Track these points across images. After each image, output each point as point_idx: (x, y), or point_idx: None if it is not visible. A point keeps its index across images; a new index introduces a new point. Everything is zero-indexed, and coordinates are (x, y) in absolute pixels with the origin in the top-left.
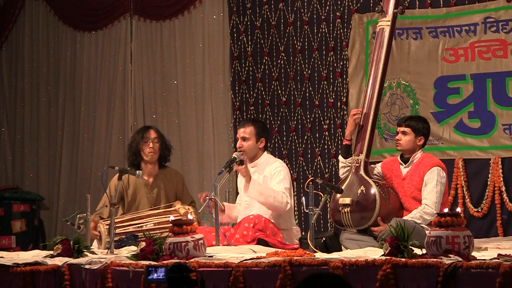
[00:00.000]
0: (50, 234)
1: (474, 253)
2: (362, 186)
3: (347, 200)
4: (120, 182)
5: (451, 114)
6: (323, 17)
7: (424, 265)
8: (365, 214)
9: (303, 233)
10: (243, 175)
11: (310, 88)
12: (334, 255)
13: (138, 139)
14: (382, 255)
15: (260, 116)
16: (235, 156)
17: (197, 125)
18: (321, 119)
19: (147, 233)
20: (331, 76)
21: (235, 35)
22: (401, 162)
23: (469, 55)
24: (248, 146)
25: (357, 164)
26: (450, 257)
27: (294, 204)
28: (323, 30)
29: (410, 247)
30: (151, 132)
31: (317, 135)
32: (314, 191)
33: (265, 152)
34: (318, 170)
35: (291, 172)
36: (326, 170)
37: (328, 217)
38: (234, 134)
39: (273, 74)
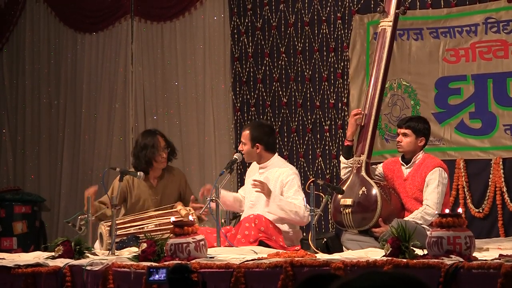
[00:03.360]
0: (52, 235)
1: (475, 254)
2: (364, 187)
3: (348, 201)
4: (124, 182)
5: (452, 115)
6: (323, 18)
7: (426, 266)
8: (366, 215)
9: (304, 234)
10: (262, 191)
11: (311, 89)
12: (335, 256)
13: (150, 149)
14: (384, 256)
15: (261, 117)
16: (236, 157)
17: (198, 126)
18: (322, 120)
19: (148, 234)
20: (332, 77)
21: (235, 36)
22: (403, 163)
23: (470, 55)
24: (245, 150)
25: (359, 165)
26: (451, 257)
27: None
28: (324, 31)
29: (411, 247)
30: (160, 140)
31: (318, 136)
32: (315, 192)
33: (276, 155)
34: (319, 171)
35: None
36: (327, 171)
37: (329, 218)
38: (235, 135)
39: (274, 75)
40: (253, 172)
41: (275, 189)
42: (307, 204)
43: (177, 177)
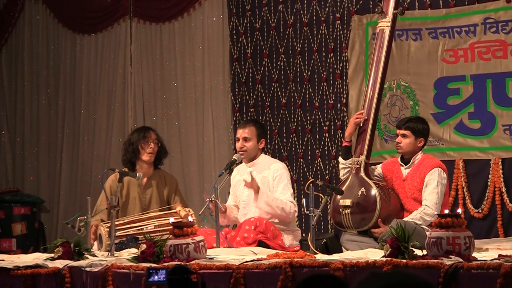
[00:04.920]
0: (51, 236)
1: (474, 254)
2: (363, 188)
3: (348, 202)
4: (115, 182)
5: (451, 115)
6: (322, 18)
7: (425, 266)
8: (366, 216)
9: (304, 234)
10: (251, 187)
11: (310, 90)
12: (335, 257)
13: (139, 138)
14: (383, 257)
15: (260, 118)
16: (235, 158)
17: (197, 127)
18: (321, 120)
19: (148, 235)
20: (331, 78)
21: (234, 37)
22: (402, 163)
23: (469, 56)
24: (249, 146)
25: (358, 166)
26: (450, 258)
27: None
28: (323, 31)
29: (411, 248)
30: (152, 133)
31: (317, 136)
32: (315, 193)
33: (263, 154)
34: (318, 172)
35: (292, 173)
36: (326, 172)
37: (329, 218)
38: (234, 136)
39: (273, 75)
40: (242, 173)
41: (268, 185)
42: (294, 201)
43: (168, 182)
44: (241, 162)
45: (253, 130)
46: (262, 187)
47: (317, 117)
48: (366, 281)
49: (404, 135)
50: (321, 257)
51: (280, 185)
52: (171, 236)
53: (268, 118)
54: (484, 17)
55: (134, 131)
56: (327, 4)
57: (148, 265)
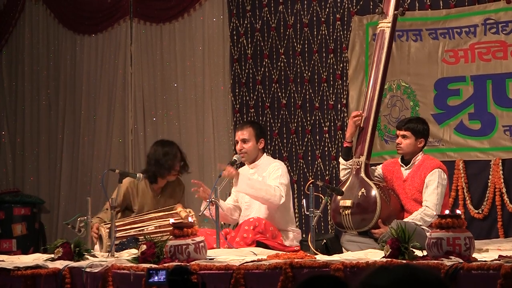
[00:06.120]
0: (51, 237)
1: (475, 255)
2: (363, 188)
3: (348, 202)
4: (128, 190)
5: (451, 116)
6: (323, 19)
7: (425, 267)
8: (366, 216)
9: (304, 235)
10: (230, 177)
11: (310, 90)
12: (335, 257)
13: (166, 159)
14: (383, 257)
15: (260, 118)
16: (235, 159)
17: (197, 127)
18: (321, 121)
19: (148, 236)
20: (331, 78)
21: (235, 37)
22: (402, 164)
23: (469, 56)
24: (249, 148)
25: (358, 166)
26: (451, 258)
27: (294, 206)
28: (323, 32)
29: (411, 249)
30: (178, 152)
31: (317, 137)
32: (315, 193)
33: (264, 154)
34: (319, 172)
35: (292, 174)
36: (327, 172)
37: (329, 219)
38: (234, 137)
39: (273, 76)
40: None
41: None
42: (281, 187)
43: (177, 187)
44: (242, 164)
45: (251, 131)
46: (253, 178)
47: (317, 117)
48: (376, 274)
49: (404, 136)
50: (321, 257)
51: (273, 176)
52: (171, 236)
53: (268, 119)
54: (484, 18)
55: (159, 146)
56: (327, 5)
57: (148, 265)
